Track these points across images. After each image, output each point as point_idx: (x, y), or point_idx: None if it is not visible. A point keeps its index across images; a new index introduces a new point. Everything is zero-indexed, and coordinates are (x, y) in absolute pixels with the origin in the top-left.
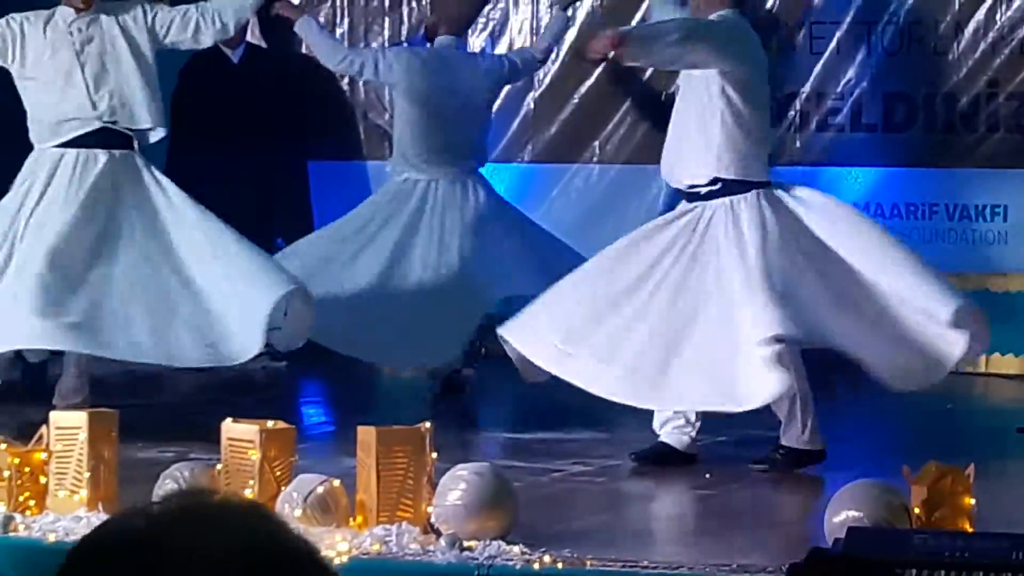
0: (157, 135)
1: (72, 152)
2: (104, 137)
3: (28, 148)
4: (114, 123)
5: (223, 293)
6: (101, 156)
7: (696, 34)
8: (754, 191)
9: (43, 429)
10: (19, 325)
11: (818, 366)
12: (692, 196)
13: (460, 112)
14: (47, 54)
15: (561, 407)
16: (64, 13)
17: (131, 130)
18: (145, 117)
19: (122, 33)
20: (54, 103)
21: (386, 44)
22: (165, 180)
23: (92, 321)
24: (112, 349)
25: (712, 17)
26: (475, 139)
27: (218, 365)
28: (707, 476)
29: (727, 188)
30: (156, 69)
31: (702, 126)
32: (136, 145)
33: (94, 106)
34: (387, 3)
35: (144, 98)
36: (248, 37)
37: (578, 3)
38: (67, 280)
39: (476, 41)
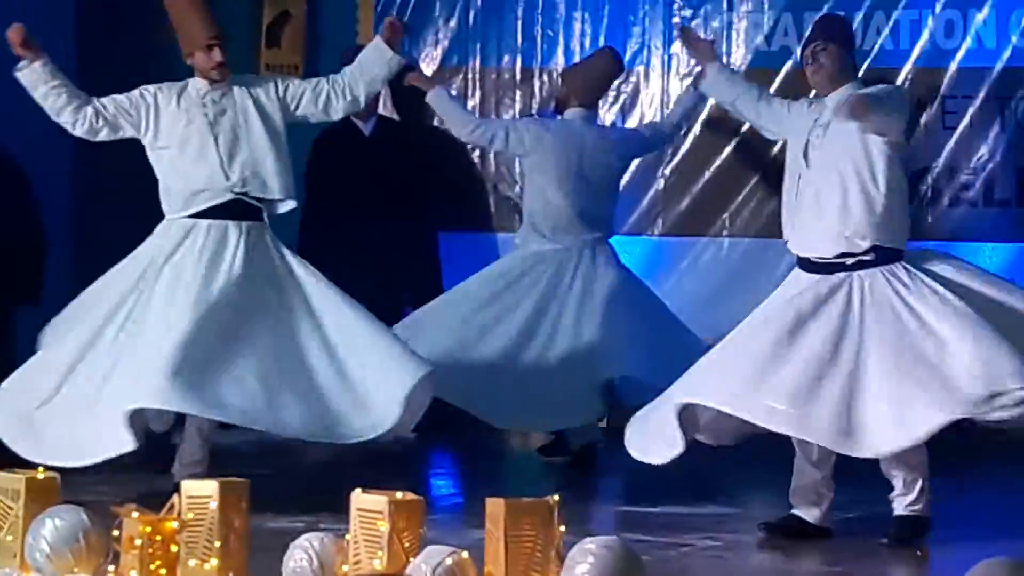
0: (287, 206)
1: (204, 223)
2: (235, 208)
3: (155, 219)
4: (245, 194)
5: (359, 369)
6: (232, 228)
7: None
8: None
9: (175, 498)
10: (147, 384)
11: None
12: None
13: (588, 184)
14: (181, 124)
15: (690, 481)
16: (197, 84)
17: (261, 201)
18: (276, 188)
19: (254, 105)
20: (187, 173)
21: (517, 116)
22: (291, 256)
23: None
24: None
25: None
26: (603, 211)
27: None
28: (918, 553)
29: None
30: (287, 141)
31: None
32: (265, 217)
33: (227, 177)
34: (518, 76)
35: (275, 169)
36: (380, 109)
37: None
38: (202, 357)
39: (607, 115)
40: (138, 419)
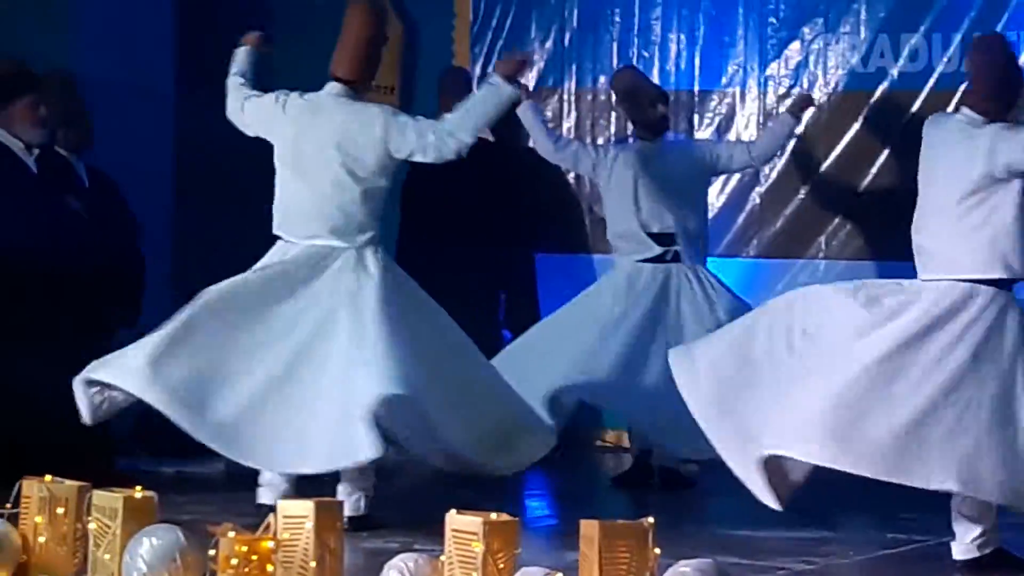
0: None
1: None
2: None
3: (254, 241)
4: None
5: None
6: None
7: None
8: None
9: (271, 517)
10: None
11: None
12: None
13: (675, 201)
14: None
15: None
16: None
17: None
18: None
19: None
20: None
21: (612, 139)
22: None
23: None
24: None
25: None
26: (694, 226)
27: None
28: None
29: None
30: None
31: None
32: None
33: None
34: (614, 98)
35: None
36: None
37: (811, 109)
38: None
39: (702, 135)
40: None
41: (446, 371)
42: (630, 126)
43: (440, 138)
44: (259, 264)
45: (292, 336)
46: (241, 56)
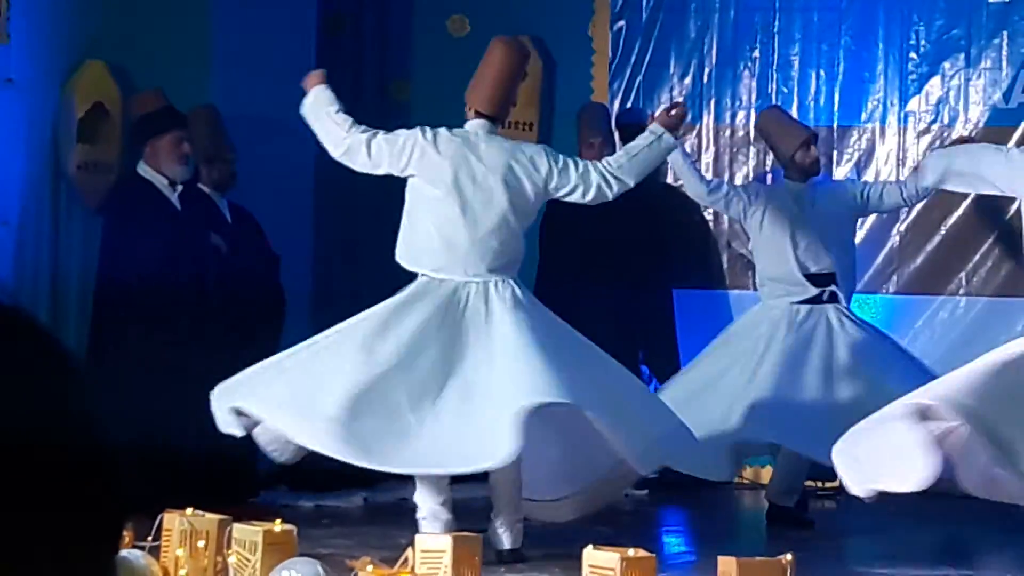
0: None
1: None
2: None
3: (392, 276)
4: None
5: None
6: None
7: None
8: None
9: (408, 551)
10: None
11: None
12: None
13: (830, 241)
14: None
15: (924, 543)
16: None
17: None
18: None
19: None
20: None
21: (750, 175)
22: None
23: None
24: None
25: None
26: (846, 266)
27: None
28: None
29: None
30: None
31: None
32: None
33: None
34: (752, 134)
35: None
36: None
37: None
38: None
39: (842, 171)
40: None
41: (604, 381)
42: (769, 162)
43: (604, 179)
44: (407, 299)
45: (448, 362)
46: (328, 95)
